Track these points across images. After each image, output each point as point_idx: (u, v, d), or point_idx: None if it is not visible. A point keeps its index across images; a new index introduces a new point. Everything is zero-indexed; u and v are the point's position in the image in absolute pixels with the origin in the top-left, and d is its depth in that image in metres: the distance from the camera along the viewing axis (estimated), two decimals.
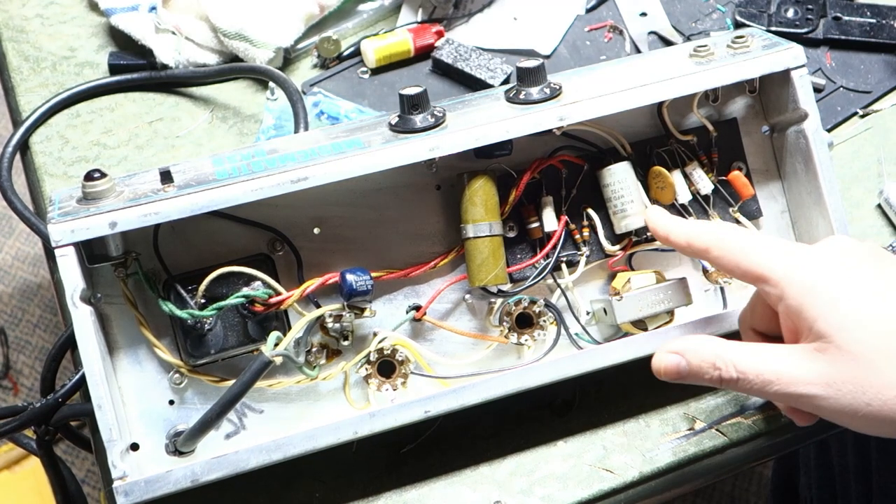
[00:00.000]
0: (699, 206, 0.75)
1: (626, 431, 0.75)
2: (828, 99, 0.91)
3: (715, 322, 0.71)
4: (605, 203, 0.74)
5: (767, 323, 0.67)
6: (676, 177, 0.74)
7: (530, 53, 0.95)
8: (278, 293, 0.68)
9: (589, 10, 0.98)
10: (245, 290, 0.67)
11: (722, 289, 0.75)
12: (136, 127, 0.91)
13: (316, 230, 0.71)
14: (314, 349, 0.70)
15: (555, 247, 0.73)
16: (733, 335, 0.70)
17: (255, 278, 0.68)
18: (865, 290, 0.60)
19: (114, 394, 0.65)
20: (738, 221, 0.76)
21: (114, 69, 0.94)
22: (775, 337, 0.66)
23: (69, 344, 0.78)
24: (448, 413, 0.69)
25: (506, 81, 0.91)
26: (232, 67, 0.93)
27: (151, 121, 0.92)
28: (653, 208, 0.71)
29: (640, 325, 0.72)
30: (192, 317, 0.67)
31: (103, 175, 0.66)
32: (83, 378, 0.74)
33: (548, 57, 0.95)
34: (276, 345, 0.65)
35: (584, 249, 0.74)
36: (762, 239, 0.64)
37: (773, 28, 0.94)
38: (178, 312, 0.66)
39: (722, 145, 0.76)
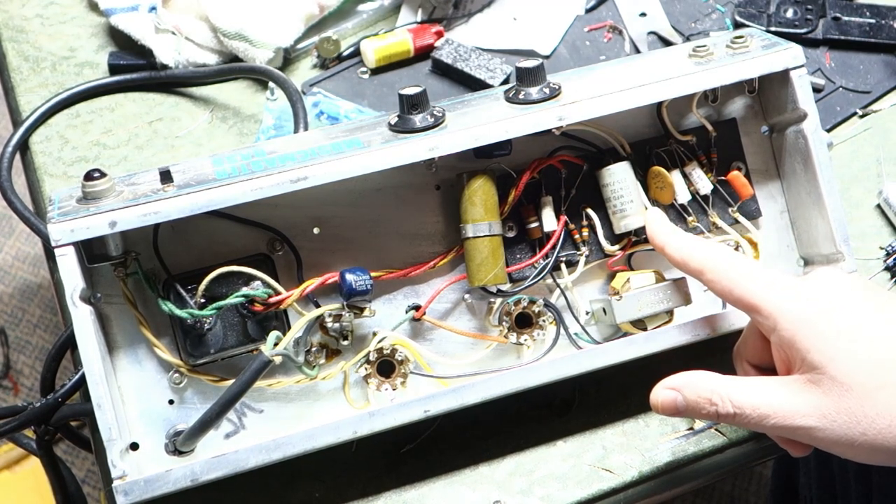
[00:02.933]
0: (698, 205, 0.75)
1: (625, 431, 0.75)
2: (827, 99, 0.91)
3: (714, 322, 0.71)
4: (604, 203, 0.74)
5: (761, 354, 0.67)
6: (676, 177, 0.74)
7: (530, 53, 0.95)
8: (278, 293, 0.68)
9: (588, 11, 0.98)
10: (245, 290, 0.67)
11: None
12: (136, 127, 0.91)
13: (316, 230, 0.71)
14: (314, 349, 0.70)
15: (554, 247, 0.73)
16: (733, 335, 0.71)
17: (254, 278, 0.68)
18: (857, 322, 0.61)
19: (114, 393, 0.66)
20: (737, 221, 0.76)
21: (114, 69, 0.94)
22: (769, 369, 0.66)
23: (69, 344, 0.78)
24: (448, 413, 0.69)
25: (505, 81, 0.91)
26: (232, 67, 0.93)
27: (151, 121, 0.92)
28: (653, 211, 0.72)
29: (640, 324, 0.72)
30: (192, 316, 0.67)
31: (103, 175, 0.66)
32: (83, 378, 0.74)
33: (547, 57, 0.95)
34: (276, 344, 0.65)
35: (584, 249, 0.74)
36: (757, 269, 0.65)
37: (773, 28, 0.94)
38: (178, 312, 0.67)
39: (721, 145, 0.76)
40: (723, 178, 0.75)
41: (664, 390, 0.65)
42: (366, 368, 0.70)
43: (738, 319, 0.71)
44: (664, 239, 0.69)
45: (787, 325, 0.61)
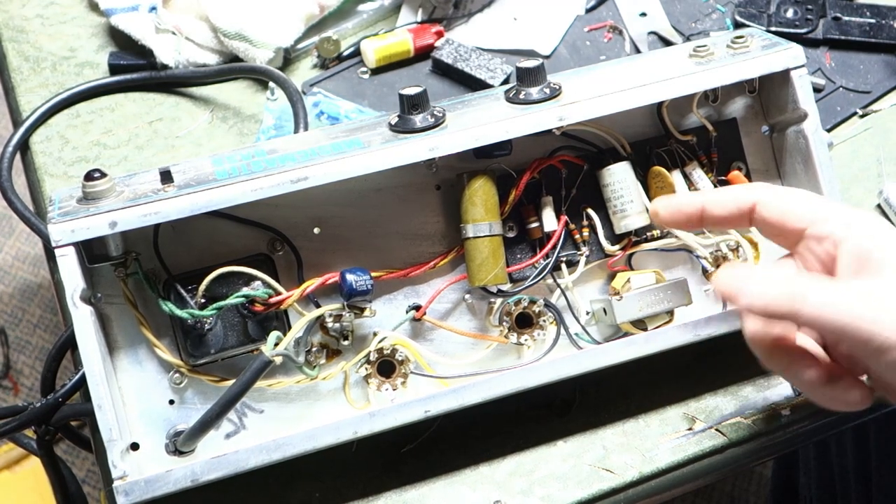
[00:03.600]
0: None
1: (625, 431, 0.75)
2: (827, 99, 0.91)
3: (715, 322, 0.71)
4: (604, 203, 0.74)
5: None
6: (676, 177, 0.74)
7: (530, 53, 0.95)
8: (278, 293, 0.68)
9: (589, 11, 0.98)
10: (245, 290, 0.67)
11: None
12: (136, 127, 0.91)
13: (316, 230, 0.71)
14: (314, 349, 0.70)
15: (554, 247, 0.73)
16: (733, 335, 0.70)
17: (255, 278, 0.68)
18: None
19: (114, 394, 0.66)
20: None
21: (114, 69, 0.94)
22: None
23: (69, 344, 0.78)
24: (448, 413, 0.69)
25: (506, 81, 0.91)
26: (232, 67, 0.93)
27: (151, 121, 0.92)
28: (659, 199, 0.68)
29: (640, 325, 0.72)
30: (192, 316, 0.67)
31: (103, 175, 0.66)
32: (83, 378, 0.74)
33: (548, 57, 0.95)
34: (276, 344, 0.65)
35: (584, 249, 0.74)
36: (803, 190, 0.64)
37: (773, 28, 0.94)
38: (178, 312, 0.67)
39: (721, 145, 0.76)
40: (723, 178, 0.75)
41: (730, 269, 0.60)
42: (366, 368, 0.70)
43: (738, 320, 0.71)
44: (699, 202, 0.66)
45: (863, 228, 0.60)
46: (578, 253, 0.74)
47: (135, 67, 0.94)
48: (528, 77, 0.71)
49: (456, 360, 0.72)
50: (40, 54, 0.96)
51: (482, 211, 0.70)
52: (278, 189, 0.65)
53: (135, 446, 0.68)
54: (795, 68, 0.72)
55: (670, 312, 0.72)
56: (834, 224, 0.61)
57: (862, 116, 0.91)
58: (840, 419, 0.77)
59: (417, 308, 0.72)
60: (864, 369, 0.61)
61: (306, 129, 0.86)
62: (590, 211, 0.74)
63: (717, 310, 0.75)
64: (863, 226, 0.61)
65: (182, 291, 0.68)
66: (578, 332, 0.73)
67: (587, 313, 0.74)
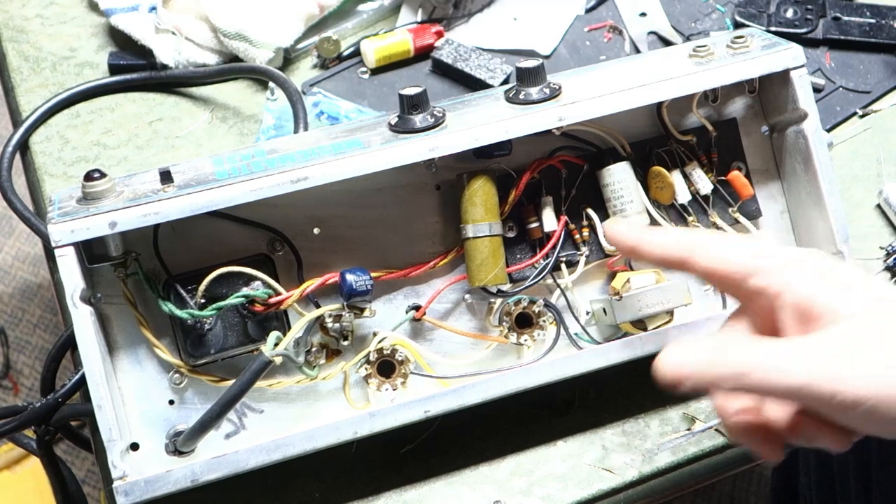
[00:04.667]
0: (698, 206, 0.75)
1: (625, 431, 0.75)
2: (827, 99, 0.91)
3: (714, 322, 0.71)
4: (604, 203, 0.74)
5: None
6: (676, 177, 0.74)
7: (530, 53, 0.95)
8: (278, 293, 0.68)
9: (589, 10, 0.98)
10: (245, 290, 0.67)
11: None
12: (136, 127, 0.91)
13: (316, 230, 0.71)
14: (314, 349, 0.70)
15: (554, 247, 0.73)
16: None
17: (254, 278, 0.68)
18: (868, 276, 0.57)
19: (114, 394, 0.66)
20: (737, 221, 0.76)
21: (114, 69, 0.94)
22: None
23: (69, 344, 0.78)
24: (448, 413, 0.69)
25: (505, 81, 0.91)
26: (232, 67, 0.93)
27: (151, 121, 0.92)
28: (610, 220, 0.67)
29: (640, 325, 0.72)
30: (192, 317, 0.67)
31: (103, 175, 0.66)
32: (83, 378, 0.74)
33: (547, 57, 0.95)
34: (276, 345, 0.65)
35: (584, 249, 0.74)
36: (742, 237, 0.61)
37: (773, 28, 0.94)
38: (178, 312, 0.66)
39: (721, 145, 0.76)
40: (723, 178, 0.75)
41: (672, 354, 0.56)
42: (366, 369, 0.70)
43: None
44: (635, 238, 0.62)
45: (803, 278, 0.56)
46: (578, 253, 0.74)
47: (135, 67, 0.94)
48: (528, 77, 0.71)
49: (456, 360, 0.72)
50: (40, 54, 0.96)
51: (482, 211, 0.70)
52: (278, 189, 0.65)
53: (135, 446, 0.68)
54: (795, 68, 0.72)
55: (670, 312, 0.72)
56: (768, 277, 0.57)
57: (862, 116, 0.91)
58: None
59: (417, 308, 0.72)
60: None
61: (306, 129, 0.86)
62: (590, 211, 0.74)
63: (717, 310, 0.75)
64: (799, 275, 0.56)
65: (182, 291, 0.68)
66: (578, 332, 0.73)
67: (587, 313, 0.74)
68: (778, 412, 0.59)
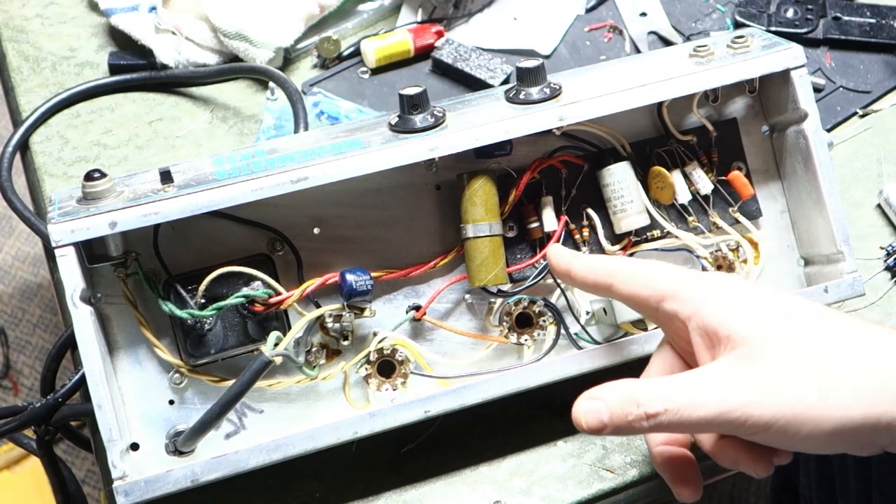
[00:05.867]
0: (699, 206, 0.75)
1: None
2: (827, 99, 0.91)
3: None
4: (604, 203, 0.74)
5: (671, 370, 0.63)
6: (676, 177, 0.74)
7: (530, 53, 0.95)
8: (278, 293, 0.68)
9: (589, 10, 0.98)
10: (245, 290, 0.67)
11: None
12: (136, 127, 0.91)
13: (316, 230, 0.71)
14: (314, 349, 0.70)
15: None
16: None
17: (255, 278, 0.68)
18: (774, 295, 0.58)
19: (114, 394, 0.66)
20: (737, 221, 0.76)
21: (114, 69, 0.94)
22: None
23: (69, 344, 0.78)
24: (448, 413, 0.69)
25: (506, 81, 0.91)
26: (232, 67, 0.93)
27: (151, 121, 0.92)
28: (552, 246, 0.70)
29: (640, 325, 0.72)
30: (192, 317, 0.67)
31: (103, 175, 0.66)
32: (83, 378, 0.74)
33: (548, 57, 0.95)
34: (276, 345, 0.65)
35: (584, 249, 0.74)
36: (661, 263, 0.62)
37: (773, 28, 0.94)
38: (178, 312, 0.66)
39: (722, 145, 0.76)
40: (723, 178, 0.75)
41: (586, 401, 0.57)
42: (366, 369, 0.70)
43: None
44: (569, 263, 0.66)
45: (707, 304, 0.58)
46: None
47: (135, 67, 0.94)
48: (528, 77, 0.71)
49: (456, 360, 0.72)
50: (40, 54, 0.96)
51: (482, 211, 0.70)
52: (278, 189, 0.65)
53: (135, 446, 0.68)
54: (795, 68, 0.72)
55: None
56: (680, 302, 0.59)
57: (862, 116, 0.91)
58: None
59: (417, 308, 0.72)
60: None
61: (306, 129, 0.86)
62: (590, 211, 0.74)
63: None
64: (705, 300, 0.58)
65: (182, 291, 0.68)
66: (578, 332, 0.73)
67: (587, 313, 0.74)
68: (703, 437, 0.62)
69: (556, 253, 0.68)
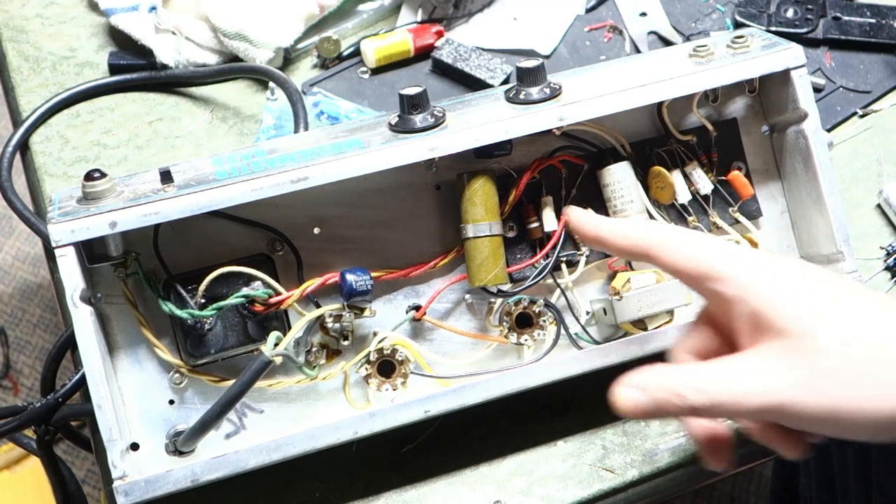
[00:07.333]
0: (699, 206, 0.75)
1: (626, 431, 0.75)
2: (827, 99, 0.91)
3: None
4: (604, 203, 0.74)
5: (709, 343, 0.61)
6: (676, 177, 0.74)
7: (530, 53, 0.95)
8: (278, 293, 0.68)
9: (589, 10, 0.98)
10: (245, 290, 0.67)
11: None
12: (136, 127, 0.91)
13: (316, 230, 0.71)
14: (314, 349, 0.70)
15: (554, 247, 0.73)
16: None
17: (255, 278, 0.68)
18: (832, 281, 0.56)
19: (114, 394, 0.66)
20: (737, 221, 0.76)
21: (114, 69, 0.94)
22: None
23: (69, 344, 0.78)
24: (448, 413, 0.69)
25: (506, 81, 0.91)
26: (232, 67, 0.93)
27: (151, 121, 0.92)
28: (571, 208, 0.67)
29: (640, 325, 0.72)
30: (192, 317, 0.67)
31: (103, 175, 0.66)
32: (83, 378, 0.74)
33: (548, 57, 0.95)
34: (276, 345, 0.65)
35: (584, 249, 0.74)
36: (708, 236, 0.60)
37: (773, 28, 0.94)
38: (178, 312, 0.66)
39: (721, 145, 0.76)
40: (723, 178, 0.75)
41: (627, 389, 0.57)
42: (366, 368, 0.70)
43: None
44: (598, 226, 0.63)
45: (756, 289, 0.56)
46: (578, 253, 0.74)
47: (135, 67, 0.94)
48: (528, 77, 0.71)
49: (456, 360, 0.72)
50: (40, 54, 0.96)
51: (482, 211, 0.70)
52: (278, 189, 0.65)
53: (135, 446, 0.68)
54: (795, 68, 0.72)
55: (670, 312, 0.72)
56: (725, 284, 0.57)
57: (862, 116, 0.91)
58: None
59: (417, 308, 0.72)
60: None
61: (306, 129, 0.86)
62: (590, 211, 0.74)
63: None
64: (753, 285, 0.56)
65: (182, 291, 0.68)
66: (578, 332, 0.73)
67: (587, 313, 0.74)
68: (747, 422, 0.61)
69: (577, 215, 0.64)
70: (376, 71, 0.94)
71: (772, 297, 0.55)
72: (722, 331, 0.60)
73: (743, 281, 0.56)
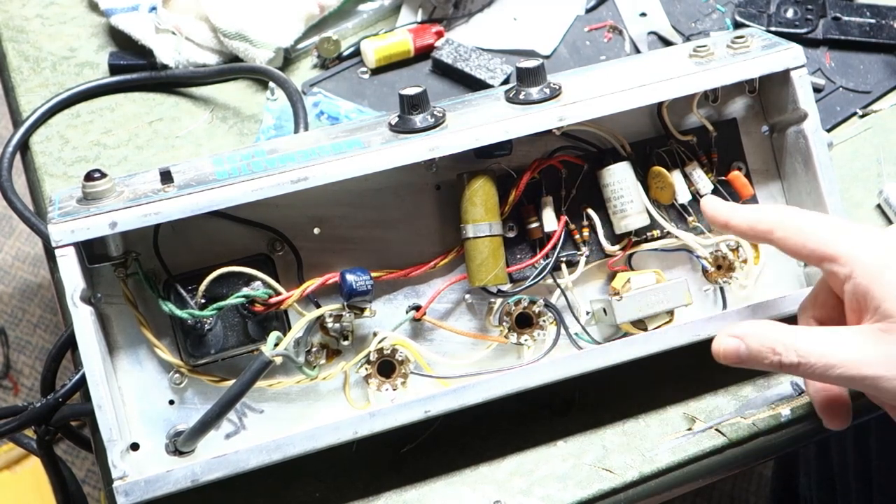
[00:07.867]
0: (699, 206, 0.75)
1: (625, 431, 0.75)
2: (827, 99, 0.91)
3: (715, 322, 0.71)
4: (604, 203, 0.74)
5: (829, 311, 0.66)
6: (676, 177, 0.74)
7: (530, 53, 0.95)
8: (278, 293, 0.68)
9: (589, 11, 0.98)
10: (245, 290, 0.67)
11: (721, 289, 0.75)
12: (136, 127, 0.91)
13: (316, 230, 0.71)
14: (314, 349, 0.70)
15: (554, 247, 0.73)
16: None
17: (255, 278, 0.68)
18: None
19: (114, 394, 0.66)
20: None
21: (114, 69, 0.94)
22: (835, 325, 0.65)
23: (69, 344, 0.78)
24: (448, 413, 0.69)
25: (506, 81, 0.91)
26: (232, 67, 0.93)
27: (151, 121, 0.92)
28: (708, 197, 0.71)
29: (640, 325, 0.72)
30: (193, 317, 0.67)
31: (103, 175, 0.66)
32: (83, 378, 0.74)
33: (548, 57, 0.95)
34: (276, 345, 0.65)
35: (584, 249, 0.74)
36: (828, 219, 0.64)
37: (773, 28, 0.94)
38: (179, 312, 0.66)
39: (721, 145, 0.76)
40: (723, 178, 0.75)
41: (727, 338, 0.63)
42: (366, 369, 0.71)
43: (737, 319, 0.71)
44: (727, 213, 0.67)
45: (864, 272, 0.60)
46: (578, 253, 0.74)
47: (135, 67, 0.94)
48: (528, 77, 0.71)
49: (456, 360, 0.72)
50: (40, 54, 0.96)
51: (482, 211, 0.70)
52: (278, 189, 0.65)
53: (135, 446, 0.68)
54: (795, 68, 0.72)
55: (670, 312, 0.72)
56: (839, 265, 0.61)
57: (862, 116, 0.91)
58: None
59: (417, 308, 0.72)
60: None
61: (306, 129, 0.86)
62: (590, 211, 0.74)
63: (717, 310, 0.75)
64: (867, 270, 0.60)
65: (182, 291, 0.68)
66: (578, 332, 0.73)
67: (587, 313, 0.74)
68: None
69: (713, 205, 0.69)
70: (376, 71, 0.94)
71: (881, 283, 0.60)
72: (838, 303, 0.65)
73: (858, 265, 0.61)
